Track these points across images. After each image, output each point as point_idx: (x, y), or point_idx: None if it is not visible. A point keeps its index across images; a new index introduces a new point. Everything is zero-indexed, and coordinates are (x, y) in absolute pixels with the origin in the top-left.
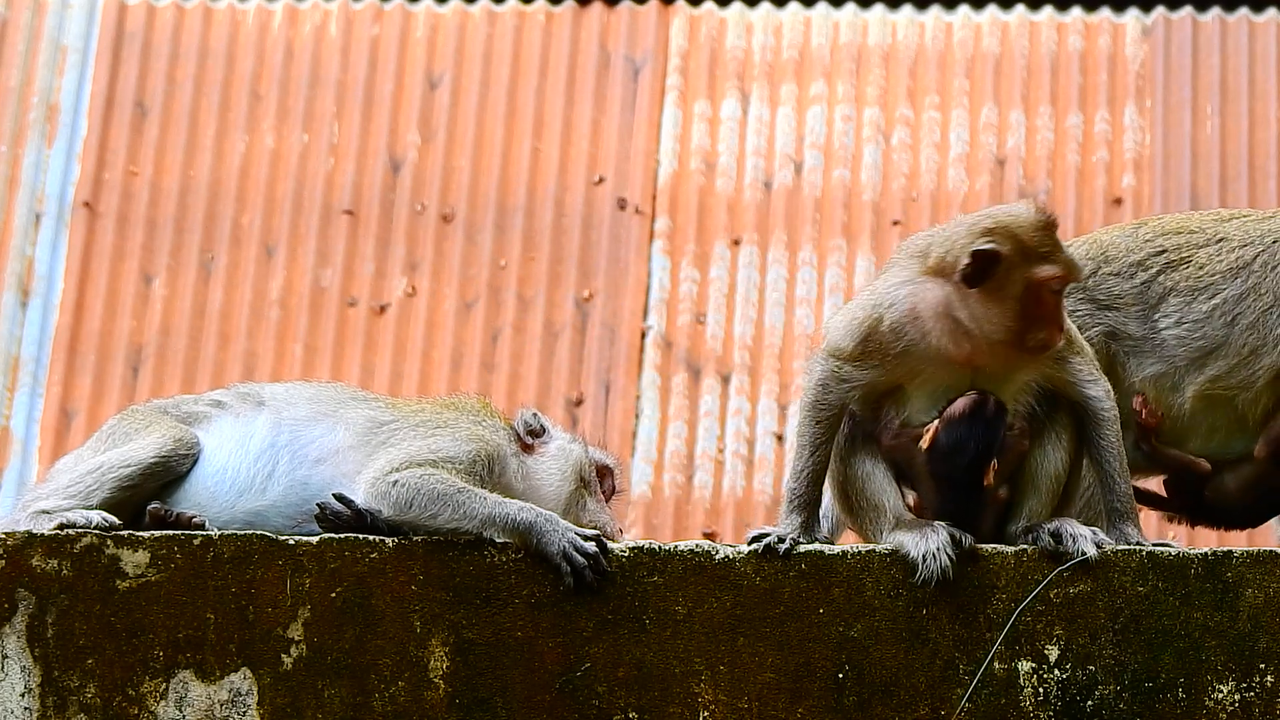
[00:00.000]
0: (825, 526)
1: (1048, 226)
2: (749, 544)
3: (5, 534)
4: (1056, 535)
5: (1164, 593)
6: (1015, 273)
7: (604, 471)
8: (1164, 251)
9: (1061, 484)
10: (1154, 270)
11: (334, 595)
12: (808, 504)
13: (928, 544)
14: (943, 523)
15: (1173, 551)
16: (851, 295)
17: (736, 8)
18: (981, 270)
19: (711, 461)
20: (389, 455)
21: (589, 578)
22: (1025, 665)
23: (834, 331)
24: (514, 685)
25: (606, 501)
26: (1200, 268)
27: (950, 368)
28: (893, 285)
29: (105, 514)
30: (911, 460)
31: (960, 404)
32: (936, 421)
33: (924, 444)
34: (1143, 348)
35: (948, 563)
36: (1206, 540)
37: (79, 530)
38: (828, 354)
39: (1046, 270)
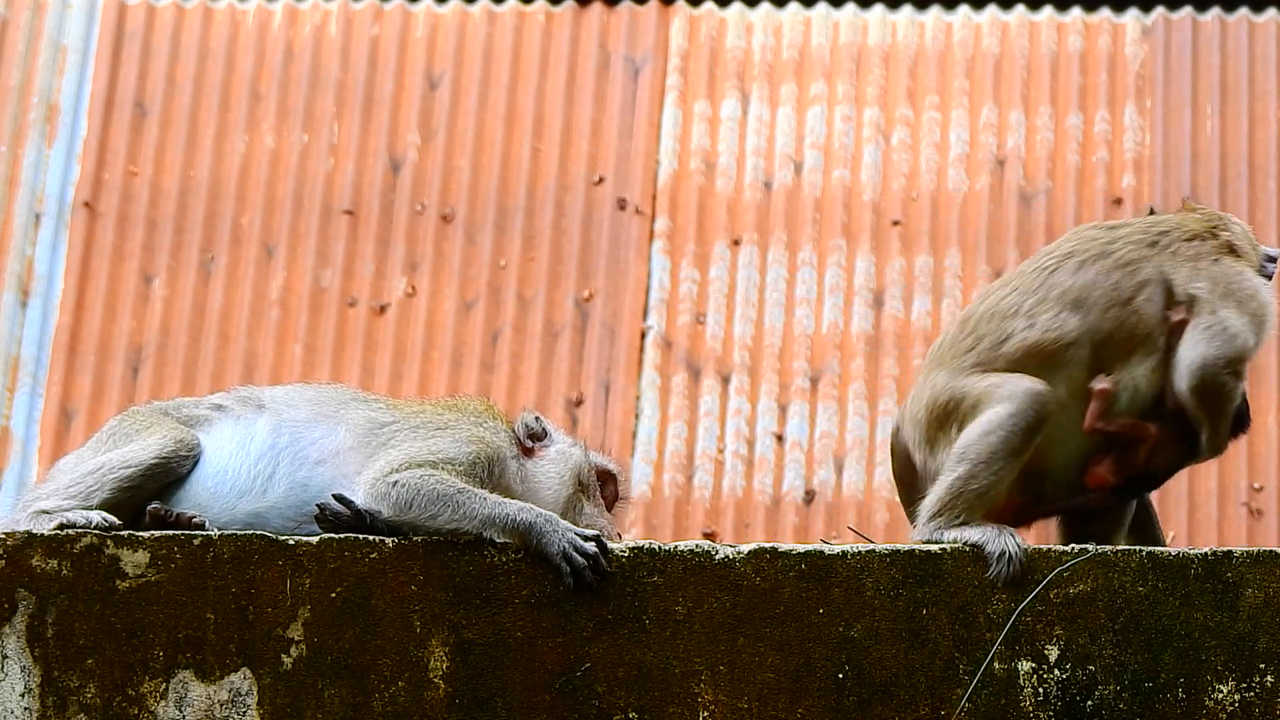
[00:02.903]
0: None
1: None
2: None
3: (5, 534)
4: None
5: (1164, 593)
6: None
7: (607, 477)
8: None
9: None
10: None
11: (334, 595)
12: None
13: (1004, 544)
14: (1008, 528)
15: (1173, 551)
16: (852, 295)
17: (736, 8)
18: None
19: (711, 461)
20: (389, 456)
21: (589, 578)
22: (1025, 665)
23: None
24: (514, 685)
25: (610, 508)
26: None
27: None
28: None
29: (105, 514)
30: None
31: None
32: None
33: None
34: None
35: (1019, 569)
36: (1207, 540)
37: (79, 530)
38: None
39: None
